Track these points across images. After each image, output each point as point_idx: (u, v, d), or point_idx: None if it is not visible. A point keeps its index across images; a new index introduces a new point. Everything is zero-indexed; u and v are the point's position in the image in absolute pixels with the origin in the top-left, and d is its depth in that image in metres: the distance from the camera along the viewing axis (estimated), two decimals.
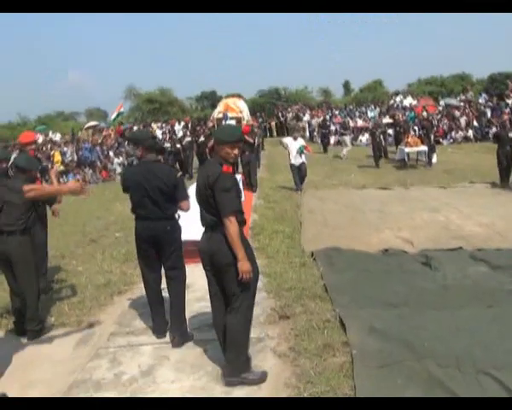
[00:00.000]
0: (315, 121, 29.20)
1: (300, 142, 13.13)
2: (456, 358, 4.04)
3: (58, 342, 4.96)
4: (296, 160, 12.80)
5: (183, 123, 28.71)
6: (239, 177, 10.05)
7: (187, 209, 4.76)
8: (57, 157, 19.93)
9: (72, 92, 79.32)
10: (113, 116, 28.43)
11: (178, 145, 18.44)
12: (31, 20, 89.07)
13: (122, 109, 31.16)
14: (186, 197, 4.76)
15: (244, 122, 13.72)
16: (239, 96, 20.81)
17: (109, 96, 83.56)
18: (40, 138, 27.14)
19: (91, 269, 7.18)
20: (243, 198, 9.57)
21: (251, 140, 13.33)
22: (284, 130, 32.09)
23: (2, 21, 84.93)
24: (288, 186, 13.23)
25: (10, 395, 3.96)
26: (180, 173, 4.82)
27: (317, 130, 28.59)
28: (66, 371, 4.36)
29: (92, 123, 33.33)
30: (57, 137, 28.39)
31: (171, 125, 27.82)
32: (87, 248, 8.59)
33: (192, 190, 8.09)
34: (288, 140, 13.49)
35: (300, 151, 12.75)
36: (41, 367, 4.46)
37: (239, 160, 13.02)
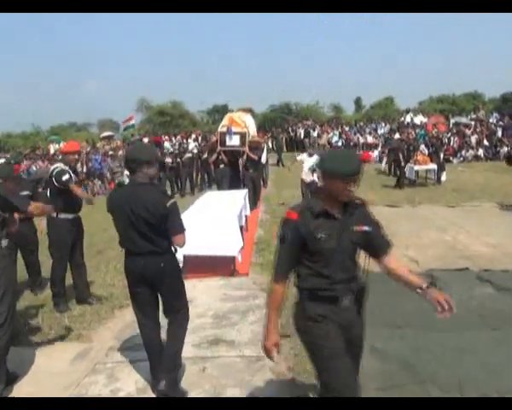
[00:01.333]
0: (324, 137, 29.19)
1: (315, 159, 12.22)
2: (459, 382, 3.97)
3: (56, 356, 4.92)
4: (307, 176, 12.27)
5: (193, 136, 28.79)
6: (245, 192, 10.01)
7: (181, 245, 3.92)
8: None
9: (85, 103, 79.99)
10: (125, 126, 28.62)
11: (178, 160, 18.52)
12: (46, 31, 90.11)
13: (133, 121, 31.38)
14: (180, 230, 3.87)
15: (248, 138, 13.22)
16: (250, 110, 20.36)
17: (122, 108, 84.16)
18: (52, 148, 27.44)
19: (95, 282, 7.15)
20: (248, 214, 9.56)
21: (254, 157, 13.01)
22: (294, 145, 32.14)
23: (18, 32, 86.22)
24: (294, 202, 13.09)
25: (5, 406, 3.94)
26: (173, 201, 3.85)
27: (326, 146, 28.61)
28: (63, 385, 4.32)
29: (107, 133, 33.56)
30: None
31: (182, 137, 27.93)
32: (93, 261, 8.56)
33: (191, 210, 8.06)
34: (303, 156, 13.04)
35: (313, 169, 11.99)
36: (38, 380, 4.43)
37: (242, 176, 13.01)
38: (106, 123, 51.09)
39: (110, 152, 23.15)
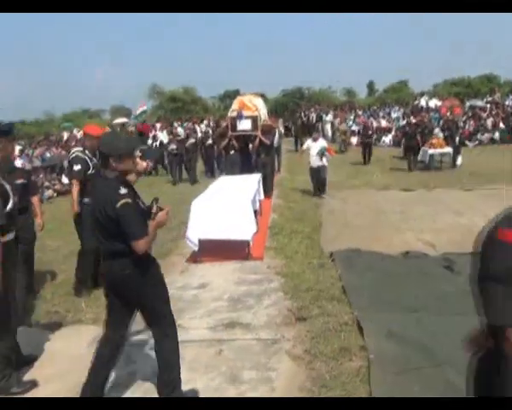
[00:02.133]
0: (338, 121, 28.95)
1: (321, 143, 12.29)
2: None
3: (73, 339, 4.97)
4: (315, 162, 12.06)
5: (205, 121, 28.70)
6: (258, 176, 9.95)
7: (140, 252, 3.34)
8: None
9: (97, 90, 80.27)
10: (138, 113, 28.68)
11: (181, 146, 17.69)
12: (58, 18, 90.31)
13: (145, 107, 31.39)
14: (132, 236, 3.30)
15: (260, 122, 12.54)
16: (261, 95, 20.04)
17: (134, 94, 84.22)
18: (65, 135, 27.57)
19: None
20: (261, 198, 9.52)
21: (267, 141, 12.43)
22: (306, 130, 31.95)
23: (30, 20, 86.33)
24: (308, 187, 12.97)
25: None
26: (123, 202, 3.28)
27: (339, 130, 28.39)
28: (81, 367, 4.34)
29: (120, 120, 33.57)
30: (80, 134, 28.64)
31: (194, 123, 27.86)
32: None
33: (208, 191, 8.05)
34: (308, 142, 12.73)
35: (321, 153, 11.96)
36: (57, 362, 4.47)
37: (254, 163, 12.55)
38: (118, 109, 51.21)
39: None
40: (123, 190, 3.31)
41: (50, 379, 4.19)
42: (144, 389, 3.94)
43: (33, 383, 4.11)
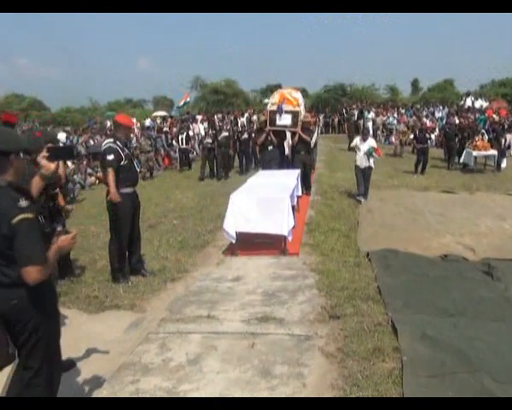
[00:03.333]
0: (379, 119, 28.57)
1: (370, 143, 11.41)
2: None
3: (111, 323, 5.11)
4: (361, 162, 11.31)
5: (246, 115, 28.78)
6: (297, 172, 9.91)
7: (31, 282, 2.72)
8: None
9: (140, 80, 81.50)
10: (181, 104, 29.06)
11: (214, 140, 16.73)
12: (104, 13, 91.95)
13: (188, 99, 31.76)
14: (29, 261, 2.71)
15: (301, 117, 11.90)
16: (303, 90, 19.76)
17: (176, 86, 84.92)
18: (108, 123, 28.12)
19: (148, 254, 7.33)
20: (299, 194, 9.49)
21: (307, 138, 11.73)
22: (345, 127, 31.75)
23: (79, 14, 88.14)
24: (347, 185, 12.84)
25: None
26: (22, 217, 2.70)
27: (381, 129, 28.02)
28: (117, 351, 4.49)
29: (160, 113, 34.08)
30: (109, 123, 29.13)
31: (235, 116, 27.97)
32: (145, 234, 8.73)
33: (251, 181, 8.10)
34: (356, 140, 11.78)
35: (369, 153, 11.19)
36: (93, 346, 4.59)
37: (292, 160, 11.94)
38: (160, 100, 51.93)
39: (165, 129, 23.47)
40: (23, 203, 2.74)
41: (85, 362, 4.33)
42: (178, 377, 4.01)
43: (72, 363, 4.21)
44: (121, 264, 6.32)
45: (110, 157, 6.02)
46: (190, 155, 19.97)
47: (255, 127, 16.52)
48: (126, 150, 6.22)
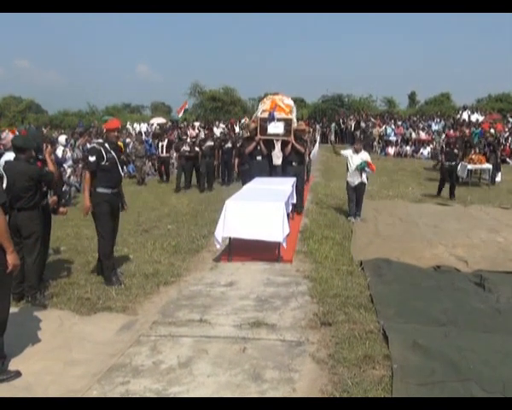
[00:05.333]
0: (376, 131, 28.72)
1: (363, 156, 10.38)
2: (503, 384, 3.87)
3: (102, 325, 5.09)
4: (353, 178, 10.32)
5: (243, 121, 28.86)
6: (293, 180, 9.87)
7: None
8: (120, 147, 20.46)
9: (139, 86, 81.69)
10: (181, 114, 29.36)
11: (197, 149, 15.64)
12: (103, 14, 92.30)
13: (187, 106, 31.92)
14: None
15: (294, 125, 11.02)
16: (301, 100, 19.60)
17: (174, 92, 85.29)
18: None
19: (141, 258, 7.34)
20: (294, 202, 9.45)
21: (301, 149, 10.75)
22: (343, 137, 31.95)
23: (75, 14, 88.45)
24: (342, 194, 12.60)
25: (54, 371, 4.13)
26: None
27: (377, 140, 28.16)
28: (108, 353, 4.47)
29: (158, 119, 34.11)
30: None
31: (231, 124, 28.06)
32: (139, 238, 8.78)
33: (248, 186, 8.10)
34: (347, 152, 10.68)
35: (361, 168, 10.20)
36: (84, 347, 4.59)
37: (283, 171, 10.83)
38: (158, 106, 51.98)
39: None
40: None
41: (75, 363, 4.31)
42: (168, 380, 4.01)
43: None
44: (110, 261, 6.37)
45: (92, 158, 6.22)
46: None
47: (242, 135, 15.80)
48: (113, 153, 6.34)
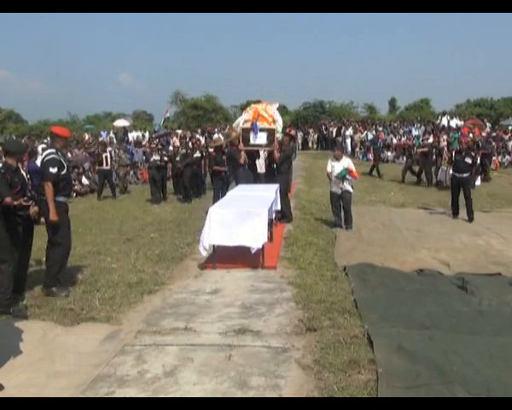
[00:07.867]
0: (357, 136, 28.95)
1: (345, 163, 9.98)
2: (487, 385, 3.90)
3: (86, 336, 5.03)
4: (336, 187, 9.99)
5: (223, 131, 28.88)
6: (276, 186, 9.82)
7: None
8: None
9: (121, 95, 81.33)
10: (162, 122, 29.46)
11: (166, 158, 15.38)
12: (83, 21, 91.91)
13: (168, 114, 31.95)
14: None
15: (277, 135, 10.81)
16: (283, 107, 19.66)
17: (156, 101, 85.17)
18: (87, 137, 28.07)
19: (125, 267, 7.28)
20: (278, 208, 9.45)
21: (277, 160, 10.53)
22: (324, 143, 32.18)
23: (57, 23, 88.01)
24: (325, 200, 12.56)
25: (37, 383, 4.06)
26: None
27: (358, 146, 28.38)
28: (92, 364, 4.42)
29: (121, 122, 34.42)
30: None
31: (209, 132, 28.15)
32: (122, 247, 8.72)
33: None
34: (329, 162, 10.25)
35: (342, 176, 9.84)
36: (67, 358, 4.53)
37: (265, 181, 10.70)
38: (140, 115, 51.80)
39: (143, 142, 23.47)
40: None
41: (59, 375, 4.25)
42: (154, 389, 3.97)
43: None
44: (61, 272, 6.31)
45: (54, 170, 6.05)
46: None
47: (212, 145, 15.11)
48: (67, 161, 6.41)
